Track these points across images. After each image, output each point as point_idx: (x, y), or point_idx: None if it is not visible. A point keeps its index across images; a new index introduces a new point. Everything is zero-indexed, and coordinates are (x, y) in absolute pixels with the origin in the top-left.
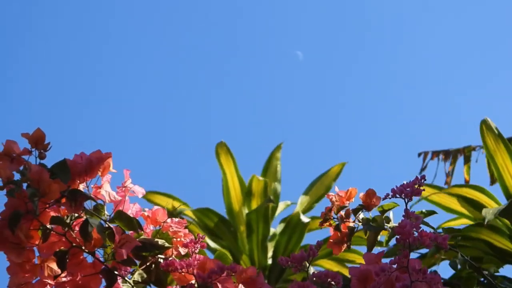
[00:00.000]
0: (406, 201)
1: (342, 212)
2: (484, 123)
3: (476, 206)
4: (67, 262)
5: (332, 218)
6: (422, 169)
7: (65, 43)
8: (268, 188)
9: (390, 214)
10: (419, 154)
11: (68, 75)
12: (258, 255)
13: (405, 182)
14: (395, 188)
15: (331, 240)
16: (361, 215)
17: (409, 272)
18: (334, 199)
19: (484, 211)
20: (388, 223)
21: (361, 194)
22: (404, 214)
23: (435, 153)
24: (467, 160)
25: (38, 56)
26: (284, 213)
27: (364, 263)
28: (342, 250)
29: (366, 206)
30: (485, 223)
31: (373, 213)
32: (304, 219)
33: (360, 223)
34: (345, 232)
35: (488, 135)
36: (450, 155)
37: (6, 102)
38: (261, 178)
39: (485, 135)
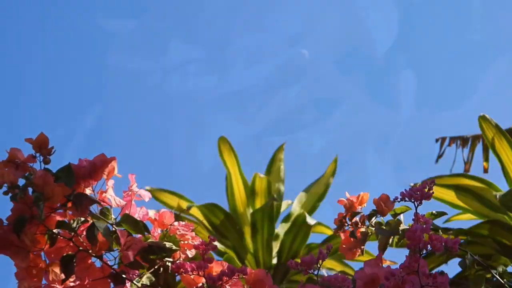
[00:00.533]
0: (416, 205)
1: (357, 218)
2: (482, 119)
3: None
4: (75, 266)
5: (346, 224)
6: (439, 156)
7: None
8: (271, 187)
9: (401, 217)
10: (437, 140)
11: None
12: (263, 255)
13: (412, 185)
14: (405, 192)
15: (344, 246)
16: (374, 219)
17: (419, 276)
18: (347, 205)
19: (494, 193)
20: (399, 225)
21: (375, 199)
22: (414, 217)
23: (453, 139)
24: (486, 147)
25: None
26: (285, 212)
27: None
28: (356, 255)
29: (380, 211)
30: (497, 197)
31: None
32: (310, 221)
33: (373, 227)
34: (358, 237)
35: (488, 130)
36: (468, 141)
37: None
38: (263, 176)
39: (485, 131)
